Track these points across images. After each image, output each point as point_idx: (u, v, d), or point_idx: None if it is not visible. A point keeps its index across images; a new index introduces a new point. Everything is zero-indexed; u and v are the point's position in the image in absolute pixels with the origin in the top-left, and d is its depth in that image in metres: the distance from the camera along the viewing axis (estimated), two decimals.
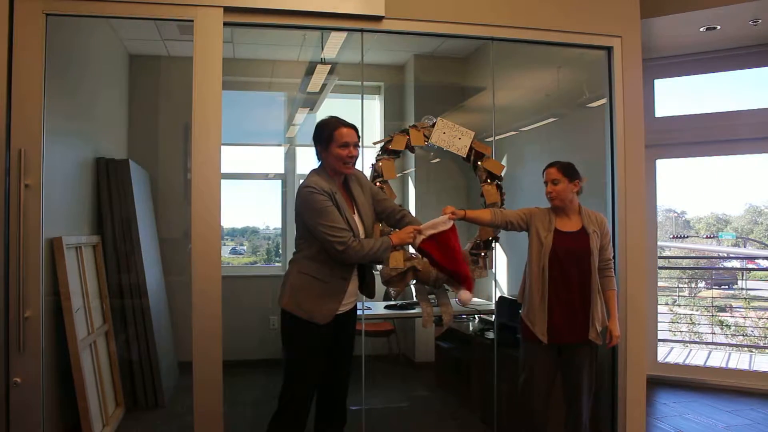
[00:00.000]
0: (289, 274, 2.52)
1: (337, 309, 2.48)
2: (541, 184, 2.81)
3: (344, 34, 3.58)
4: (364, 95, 3.43)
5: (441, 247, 2.60)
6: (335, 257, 2.38)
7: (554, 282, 2.69)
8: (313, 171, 2.52)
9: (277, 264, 5.58)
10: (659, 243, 5.39)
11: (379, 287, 3.32)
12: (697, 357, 5.30)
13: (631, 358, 3.25)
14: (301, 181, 5.56)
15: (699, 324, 6.59)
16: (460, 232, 2.79)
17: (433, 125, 3.28)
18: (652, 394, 4.38)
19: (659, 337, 5.05)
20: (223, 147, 2.80)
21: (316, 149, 2.52)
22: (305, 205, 2.39)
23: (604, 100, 3.42)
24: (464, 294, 2.60)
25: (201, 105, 2.78)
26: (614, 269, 2.84)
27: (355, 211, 2.53)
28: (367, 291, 2.65)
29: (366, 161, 3.28)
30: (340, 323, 2.52)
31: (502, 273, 4.27)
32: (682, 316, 6.97)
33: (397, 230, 2.67)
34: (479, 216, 2.83)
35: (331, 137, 2.44)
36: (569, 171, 2.73)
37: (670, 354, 5.31)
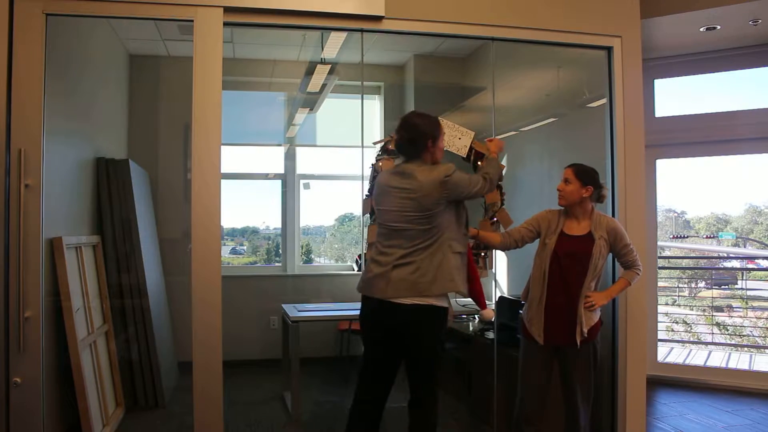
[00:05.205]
0: (438, 258, 2.43)
1: None
2: (542, 184, 2.80)
3: (344, 34, 3.59)
4: (364, 95, 3.44)
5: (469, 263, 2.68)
6: (482, 191, 2.57)
7: (553, 284, 2.68)
8: (424, 163, 2.54)
9: (277, 264, 5.58)
10: (659, 243, 5.38)
11: None
12: (697, 357, 5.30)
13: (631, 358, 3.25)
14: (302, 181, 5.51)
15: (698, 324, 6.58)
16: None
17: None
18: (652, 394, 4.37)
19: (659, 337, 5.05)
20: (223, 147, 2.81)
21: (424, 143, 2.52)
22: (457, 186, 2.46)
23: (604, 100, 3.42)
24: (485, 313, 2.83)
25: (201, 105, 2.78)
26: (639, 266, 2.77)
27: None
28: None
29: (366, 161, 3.29)
30: None
31: (502, 273, 4.27)
32: (682, 316, 6.97)
33: None
34: (490, 239, 2.90)
35: (441, 132, 2.61)
36: (583, 174, 2.71)
37: (670, 354, 5.31)
